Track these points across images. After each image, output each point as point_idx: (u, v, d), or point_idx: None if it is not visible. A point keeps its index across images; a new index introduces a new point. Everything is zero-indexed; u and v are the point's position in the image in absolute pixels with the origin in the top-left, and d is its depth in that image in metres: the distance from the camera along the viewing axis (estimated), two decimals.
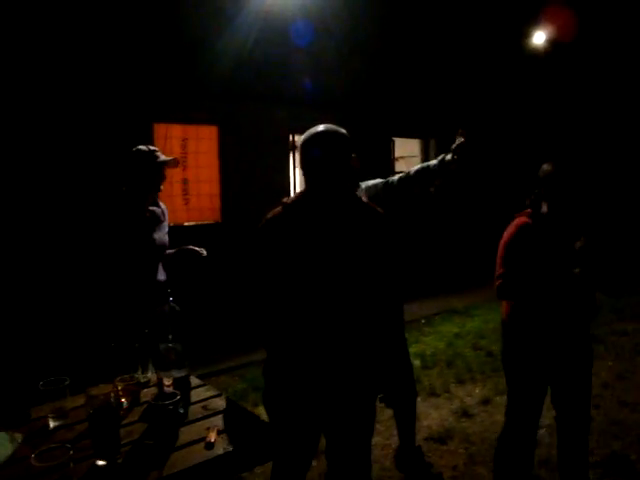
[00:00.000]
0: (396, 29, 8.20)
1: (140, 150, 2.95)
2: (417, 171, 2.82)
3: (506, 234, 2.54)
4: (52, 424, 1.86)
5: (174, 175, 6.06)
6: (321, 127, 1.90)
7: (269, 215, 1.92)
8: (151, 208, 2.99)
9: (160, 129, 6.24)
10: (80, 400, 1.98)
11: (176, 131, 6.40)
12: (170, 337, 1.99)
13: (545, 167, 2.50)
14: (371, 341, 1.93)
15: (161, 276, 3.00)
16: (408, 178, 2.83)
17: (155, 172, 2.92)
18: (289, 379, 1.93)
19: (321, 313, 1.85)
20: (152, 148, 2.99)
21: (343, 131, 1.91)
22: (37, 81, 5.20)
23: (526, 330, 2.53)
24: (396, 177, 2.92)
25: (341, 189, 1.90)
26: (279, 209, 1.92)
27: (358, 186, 2.98)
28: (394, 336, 2.38)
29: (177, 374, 1.99)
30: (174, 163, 3.02)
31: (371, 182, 2.99)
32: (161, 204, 3.12)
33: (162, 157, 2.96)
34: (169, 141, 6.32)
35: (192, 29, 6.15)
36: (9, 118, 5.08)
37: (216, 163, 6.75)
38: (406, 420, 3.16)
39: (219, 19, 6.28)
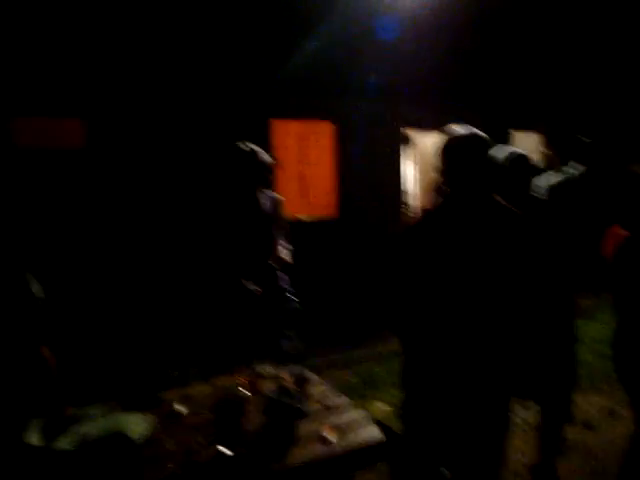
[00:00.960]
0: (502, 17, 7.85)
1: (239, 148, 3.04)
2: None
3: None
4: (179, 409, 1.98)
5: (291, 171, 6.20)
6: (463, 131, 1.86)
7: (410, 222, 1.91)
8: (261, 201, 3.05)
9: (278, 125, 6.40)
10: (204, 388, 2.09)
11: (293, 127, 6.54)
12: (290, 333, 2.05)
13: None
14: (512, 346, 1.86)
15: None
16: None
17: (254, 170, 2.99)
18: (429, 390, 1.91)
19: (462, 319, 1.81)
20: (252, 147, 3.07)
21: (484, 135, 1.86)
22: (164, 80, 5.49)
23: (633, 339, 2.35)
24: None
25: (485, 193, 1.86)
26: (419, 216, 1.90)
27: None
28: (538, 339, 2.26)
29: (296, 370, 2.04)
30: (271, 165, 3.07)
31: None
32: (273, 195, 3.16)
33: (262, 158, 3.01)
34: (286, 137, 6.47)
35: (309, 29, 6.25)
36: (139, 120, 5.40)
37: (331, 159, 6.83)
38: (554, 428, 2.97)
39: (333, 19, 6.34)
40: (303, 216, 6.61)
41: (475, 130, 1.84)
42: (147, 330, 4.78)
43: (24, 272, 2.08)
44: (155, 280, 5.25)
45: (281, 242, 2.99)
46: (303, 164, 6.70)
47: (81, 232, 4.93)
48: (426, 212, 1.89)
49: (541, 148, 8.95)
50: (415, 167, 8.31)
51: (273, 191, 3.15)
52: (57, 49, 4.80)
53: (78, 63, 4.92)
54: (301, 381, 2.06)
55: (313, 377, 2.17)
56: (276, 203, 3.13)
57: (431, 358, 1.86)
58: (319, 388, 2.10)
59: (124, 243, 5.15)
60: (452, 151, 1.84)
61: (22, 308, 2.03)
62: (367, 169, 7.00)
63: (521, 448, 3.30)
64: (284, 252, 2.93)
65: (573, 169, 2.63)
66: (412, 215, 1.83)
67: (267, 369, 2.24)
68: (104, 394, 2.13)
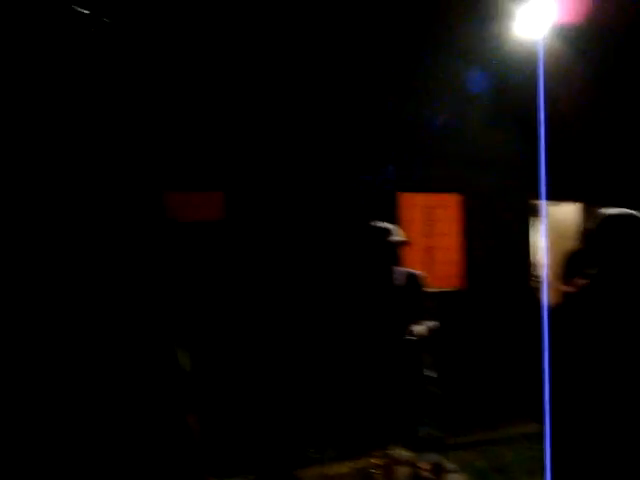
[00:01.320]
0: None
1: (374, 227, 3.14)
2: None
3: None
4: None
5: (417, 243, 6.22)
6: (624, 212, 1.85)
7: (557, 303, 1.89)
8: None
9: (404, 198, 6.50)
10: (340, 468, 2.11)
11: (420, 200, 6.61)
12: (426, 420, 2.03)
13: None
14: None
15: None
16: None
17: (385, 249, 3.05)
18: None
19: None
20: (386, 226, 3.14)
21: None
22: (297, 157, 5.79)
23: None
24: None
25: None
26: (567, 297, 1.88)
27: None
28: None
29: (434, 458, 2.01)
30: (403, 243, 3.11)
31: None
32: (410, 271, 3.20)
33: (394, 237, 3.07)
34: (413, 209, 6.54)
35: (435, 102, 6.37)
36: (275, 192, 5.71)
37: (458, 230, 6.78)
38: None
39: (460, 93, 6.43)
40: (430, 287, 6.54)
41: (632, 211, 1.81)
42: (288, 406, 4.83)
43: (172, 343, 2.23)
44: (294, 356, 5.32)
45: (420, 318, 2.99)
46: (428, 236, 6.70)
47: (223, 302, 5.20)
48: (574, 293, 1.85)
49: None
50: (545, 238, 8.01)
51: (405, 266, 3.18)
52: (201, 131, 5.27)
53: (219, 141, 5.35)
54: (438, 470, 2.01)
55: (451, 467, 2.12)
56: (413, 279, 3.15)
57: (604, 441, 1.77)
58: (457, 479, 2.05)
59: (263, 313, 5.34)
60: (613, 233, 1.80)
61: (170, 378, 2.17)
62: (495, 240, 6.87)
63: None
64: (421, 328, 2.91)
65: None
66: (553, 295, 1.79)
67: (403, 454, 2.21)
68: (243, 466, 2.20)
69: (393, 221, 6.22)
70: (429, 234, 6.60)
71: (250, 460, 2.71)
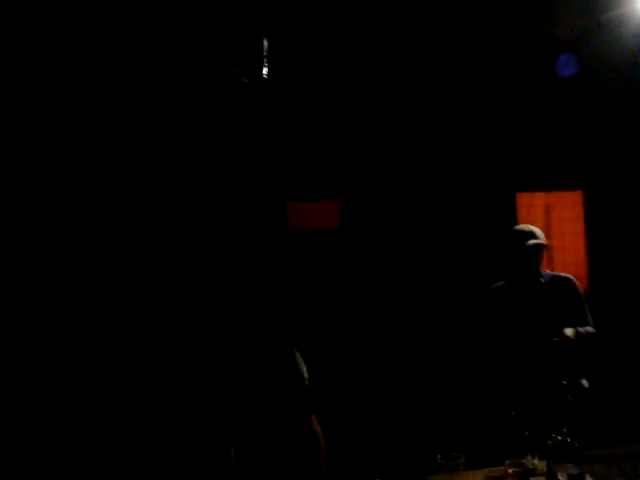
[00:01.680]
0: None
1: (515, 230, 3.10)
2: None
3: None
4: None
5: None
6: None
7: None
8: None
9: (523, 198, 6.28)
10: (473, 477, 2.08)
11: (539, 199, 6.36)
12: (565, 430, 1.96)
13: None
14: None
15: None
16: None
17: (522, 254, 2.98)
18: None
19: None
20: (528, 229, 3.06)
21: None
22: (408, 159, 5.78)
23: None
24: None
25: None
26: None
27: None
28: None
29: (573, 470, 1.93)
30: (541, 248, 3.01)
31: None
32: (559, 274, 3.12)
33: (532, 241, 2.98)
34: (532, 210, 6.30)
35: (549, 99, 6.11)
36: (389, 198, 5.73)
37: (582, 230, 6.45)
38: None
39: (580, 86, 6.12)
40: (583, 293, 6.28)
41: None
42: (417, 411, 4.82)
43: (291, 348, 2.30)
44: (426, 360, 5.30)
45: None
46: (550, 237, 6.43)
47: (339, 309, 5.30)
48: None
49: None
50: None
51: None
52: (317, 141, 5.40)
53: (335, 151, 5.47)
54: None
55: None
56: (562, 283, 3.06)
57: None
58: None
59: (389, 320, 5.38)
60: None
61: (291, 382, 2.24)
62: (621, 239, 6.46)
63: None
64: (569, 331, 2.82)
65: None
66: None
67: (539, 464, 2.15)
68: (371, 472, 2.23)
69: (513, 223, 6.09)
70: (550, 235, 6.33)
71: (378, 466, 2.75)
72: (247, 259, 3.73)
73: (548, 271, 3.14)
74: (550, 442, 1.99)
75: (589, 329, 2.92)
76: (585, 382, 2.79)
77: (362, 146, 5.57)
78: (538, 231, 3.07)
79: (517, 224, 5.99)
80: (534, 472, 2.12)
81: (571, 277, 3.09)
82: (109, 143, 4.26)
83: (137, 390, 3.40)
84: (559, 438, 1.96)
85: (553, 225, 6.42)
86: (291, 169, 5.30)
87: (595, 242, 6.44)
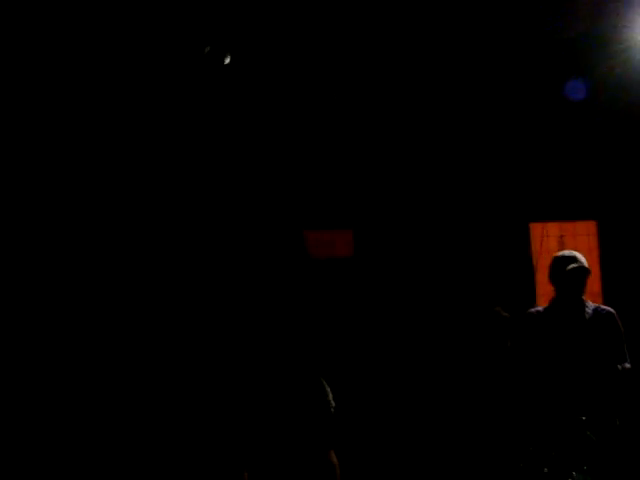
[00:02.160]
0: None
1: (555, 256, 3.11)
2: None
3: None
4: None
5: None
6: None
7: None
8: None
9: (536, 228, 6.26)
10: None
11: (552, 229, 6.33)
12: (585, 468, 1.92)
13: None
14: None
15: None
16: None
17: (564, 278, 2.98)
18: None
19: None
20: (568, 254, 3.08)
21: None
22: (424, 193, 5.79)
23: None
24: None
25: None
26: None
27: None
28: None
29: None
30: (583, 272, 3.01)
31: None
32: (601, 307, 3.09)
33: (573, 265, 2.98)
34: (545, 240, 6.27)
35: (566, 128, 6.13)
36: (402, 229, 5.73)
37: (596, 260, 6.40)
38: None
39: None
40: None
41: None
42: (430, 439, 4.73)
43: (319, 377, 2.29)
44: (436, 387, 5.20)
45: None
46: None
47: (355, 338, 5.26)
48: None
49: None
50: None
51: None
52: (330, 170, 5.44)
53: (348, 179, 5.49)
54: None
55: None
56: (605, 316, 3.03)
57: None
58: None
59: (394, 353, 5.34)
60: None
61: (318, 415, 2.23)
62: (637, 270, 6.41)
63: None
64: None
65: None
66: None
67: None
68: None
69: (526, 253, 6.07)
70: None
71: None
72: (275, 288, 3.75)
73: (590, 302, 3.12)
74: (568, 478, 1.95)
75: (627, 365, 2.88)
76: (616, 419, 2.75)
77: (375, 176, 5.60)
78: (580, 256, 3.07)
79: (530, 254, 5.98)
80: None
81: (613, 311, 3.07)
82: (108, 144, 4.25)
83: (161, 415, 3.38)
84: (578, 476, 1.92)
85: None
86: (305, 197, 5.33)
87: (610, 273, 6.39)
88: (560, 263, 3.01)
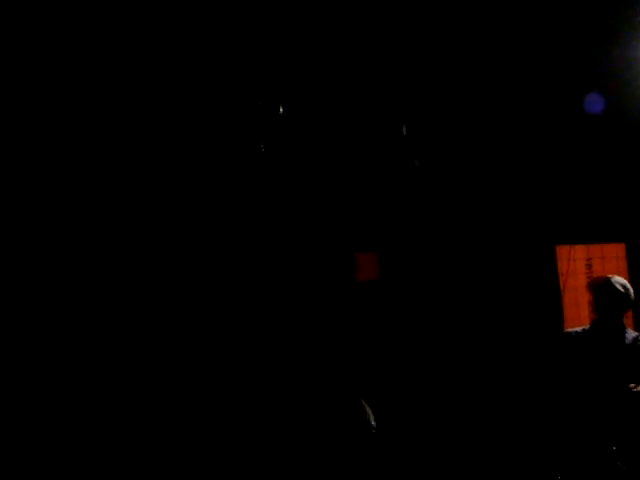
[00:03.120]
0: None
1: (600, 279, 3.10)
2: None
3: None
4: None
5: (583, 296, 5.87)
6: None
7: None
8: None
9: (563, 251, 6.19)
10: None
11: (580, 252, 6.26)
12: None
13: None
14: None
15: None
16: None
17: (606, 302, 2.97)
18: None
19: None
20: (613, 280, 3.07)
21: None
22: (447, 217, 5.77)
23: None
24: None
25: None
26: None
27: None
28: None
29: None
30: (626, 299, 3.00)
31: None
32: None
33: (617, 287, 2.97)
34: (572, 263, 6.20)
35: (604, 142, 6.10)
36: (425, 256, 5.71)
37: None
38: None
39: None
40: None
41: None
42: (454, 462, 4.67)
43: (359, 398, 2.28)
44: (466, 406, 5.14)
45: None
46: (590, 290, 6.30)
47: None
48: None
49: None
50: None
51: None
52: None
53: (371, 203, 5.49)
54: None
55: None
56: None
57: None
58: None
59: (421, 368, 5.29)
60: None
61: (357, 434, 2.21)
62: None
63: None
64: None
65: None
66: None
67: None
68: None
69: (553, 276, 6.00)
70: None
71: None
72: (321, 309, 3.74)
73: (631, 330, 3.11)
74: None
75: None
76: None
77: (399, 199, 5.59)
78: (626, 283, 3.07)
79: (557, 277, 5.90)
80: None
81: None
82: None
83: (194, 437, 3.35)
84: None
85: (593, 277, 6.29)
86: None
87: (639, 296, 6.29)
88: (605, 286, 2.99)
